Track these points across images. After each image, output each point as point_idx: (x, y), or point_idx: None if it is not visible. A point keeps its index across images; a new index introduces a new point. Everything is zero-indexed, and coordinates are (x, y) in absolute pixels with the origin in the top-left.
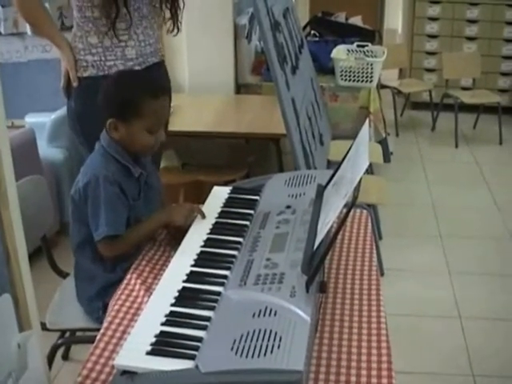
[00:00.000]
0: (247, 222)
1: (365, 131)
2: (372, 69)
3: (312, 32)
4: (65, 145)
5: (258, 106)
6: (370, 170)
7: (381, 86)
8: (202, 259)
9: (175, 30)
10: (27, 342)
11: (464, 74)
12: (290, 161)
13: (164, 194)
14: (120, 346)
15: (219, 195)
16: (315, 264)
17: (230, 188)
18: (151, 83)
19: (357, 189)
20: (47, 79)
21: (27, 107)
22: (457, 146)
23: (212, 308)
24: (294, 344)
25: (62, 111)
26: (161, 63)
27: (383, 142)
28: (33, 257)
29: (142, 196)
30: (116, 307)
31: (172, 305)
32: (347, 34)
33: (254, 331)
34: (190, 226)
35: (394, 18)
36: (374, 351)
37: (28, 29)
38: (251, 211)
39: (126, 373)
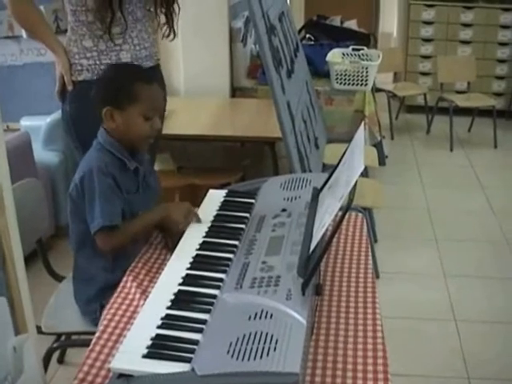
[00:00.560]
0: (243, 225)
1: (360, 134)
2: (367, 72)
3: (307, 36)
4: (60, 148)
5: (253, 110)
6: (365, 174)
7: (376, 90)
8: (198, 262)
9: (171, 35)
10: (23, 346)
11: (459, 78)
12: (285, 164)
13: (161, 197)
14: (116, 349)
15: (215, 198)
16: (311, 267)
17: (226, 191)
18: (143, 70)
19: (352, 192)
20: (42, 82)
21: (22, 110)
22: (452, 150)
23: (208, 311)
24: (290, 347)
25: (58, 114)
26: (156, 67)
27: (378, 146)
28: (28, 260)
29: (141, 192)
30: (112, 310)
31: (168, 308)
32: (342, 37)
33: (250, 334)
34: (185, 228)
35: (389, 22)
36: (370, 353)
37: (23, 32)
38: (247, 214)
39: (122, 376)
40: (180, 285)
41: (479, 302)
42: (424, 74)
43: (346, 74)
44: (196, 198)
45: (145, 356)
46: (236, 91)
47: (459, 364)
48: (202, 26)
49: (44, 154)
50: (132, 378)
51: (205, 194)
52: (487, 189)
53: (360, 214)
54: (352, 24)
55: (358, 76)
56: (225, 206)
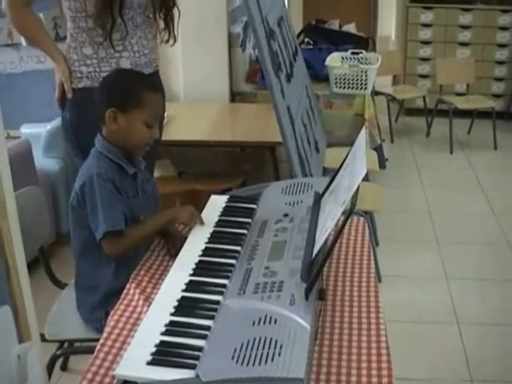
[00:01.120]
0: (245, 231)
1: (361, 139)
2: (366, 76)
3: (306, 40)
4: (60, 155)
5: (253, 115)
6: (365, 177)
7: (375, 93)
8: (201, 268)
9: (171, 40)
10: (27, 354)
11: (458, 80)
12: (285, 168)
13: (160, 204)
14: (120, 357)
15: (216, 204)
16: (314, 272)
17: (227, 197)
18: (148, 78)
19: (355, 197)
20: (42, 90)
21: (22, 118)
22: (451, 152)
23: (211, 317)
24: (294, 352)
25: (58, 122)
26: (155, 74)
27: (378, 149)
28: (30, 268)
29: (140, 197)
30: (115, 317)
31: (171, 314)
32: (341, 41)
33: (255, 339)
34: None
35: (388, 25)
36: (374, 358)
37: (23, 40)
38: (249, 220)
39: (127, 383)
40: (183, 291)
41: (481, 304)
42: (423, 76)
43: (345, 78)
44: (197, 203)
45: (149, 363)
46: (235, 96)
47: (462, 366)
48: (201, 31)
49: (44, 162)
50: None
51: (206, 200)
52: (487, 190)
53: (362, 218)
54: (351, 28)
55: (357, 80)
56: (227, 211)
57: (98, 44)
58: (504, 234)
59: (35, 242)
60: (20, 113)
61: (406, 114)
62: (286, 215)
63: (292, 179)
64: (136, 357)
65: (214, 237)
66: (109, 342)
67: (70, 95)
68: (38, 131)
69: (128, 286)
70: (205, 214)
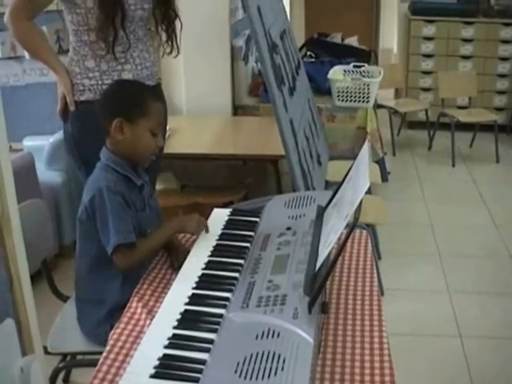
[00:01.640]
0: (248, 244)
1: (364, 152)
2: (369, 89)
3: (308, 53)
4: (63, 168)
5: (255, 128)
6: (367, 190)
7: (377, 106)
8: (204, 282)
9: (174, 52)
10: (30, 366)
11: (460, 93)
12: (288, 181)
13: (162, 217)
14: (123, 369)
15: (219, 217)
16: (317, 285)
17: (230, 210)
18: (150, 87)
19: (358, 210)
20: (45, 102)
21: (25, 131)
22: (454, 165)
23: (215, 330)
24: (297, 366)
25: (61, 134)
26: (157, 86)
27: (380, 162)
28: (33, 280)
29: (147, 210)
30: (118, 330)
31: (175, 327)
32: (343, 54)
33: (258, 353)
34: (191, 247)
35: (390, 38)
36: (377, 371)
37: (26, 53)
38: (251, 233)
39: None
40: (186, 304)
41: (483, 317)
42: (425, 89)
43: (347, 91)
44: None
45: (152, 376)
46: (238, 109)
47: (464, 379)
48: (203, 44)
49: (47, 174)
50: None
51: (208, 213)
52: (489, 204)
53: (364, 231)
54: (353, 41)
55: (359, 93)
56: (229, 224)
57: (100, 57)
58: (506, 247)
59: (38, 255)
60: (23, 125)
61: (408, 127)
62: (288, 228)
63: (294, 192)
64: (139, 370)
65: (217, 250)
66: (111, 355)
67: (72, 108)
68: (40, 144)
69: (131, 299)
70: None
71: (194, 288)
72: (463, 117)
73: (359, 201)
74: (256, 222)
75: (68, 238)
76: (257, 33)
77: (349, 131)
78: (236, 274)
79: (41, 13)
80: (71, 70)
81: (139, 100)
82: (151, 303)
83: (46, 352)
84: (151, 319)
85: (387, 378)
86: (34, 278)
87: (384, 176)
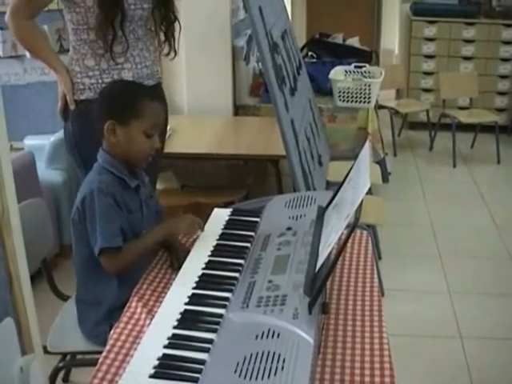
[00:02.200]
0: (248, 244)
1: (365, 153)
2: (370, 89)
3: (309, 53)
4: (64, 167)
5: (256, 128)
6: (368, 191)
7: (378, 107)
8: (204, 281)
9: (172, 54)
10: (30, 366)
11: (461, 94)
12: (288, 182)
13: (164, 215)
14: (122, 369)
15: (220, 217)
16: (317, 286)
17: (231, 210)
18: (147, 87)
19: (358, 210)
20: (46, 102)
21: (26, 130)
22: (455, 166)
23: (214, 330)
24: (297, 366)
25: (61, 133)
26: (157, 85)
27: (381, 163)
28: (33, 280)
29: (144, 211)
30: (118, 330)
31: (174, 327)
32: (345, 55)
33: (257, 353)
34: (191, 247)
35: (391, 39)
36: (377, 372)
37: (27, 52)
38: (252, 233)
39: None
40: (186, 304)
41: (484, 319)
42: (426, 90)
43: (348, 92)
44: (200, 216)
45: (152, 376)
46: (239, 109)
47: (465, 381)
48: (204, 44)
49: (48, 173)
50: None
51: (209, 213)
52: (490, 205)
53: (365, 232)
54: (354, 41)
55: (360, 93)
56: (230, 224)
57: (100, 56)
58: (507, 248)
59: (38, 254)
60: (24, 124)
61: (409, 127)
62: (289, 229)
63: (295, 193)
64: (138, 370)
65: (217, 250)
66: (111, 355)
67: (72, 107)
68: (41, 143)
69: (130, 299)
70: (208, 227)
71: (193, 288)
72: (464, 117)
73: (360, 201)
74: (256, 222)
75: (68, 238)
76: (258, 33)
77: (350, 132)
78: (236, 274)
79: (42, 12)
80: (71, 68)
81: (132, 101)
82: (151, 303)
83: (46, 351)
84: (151, 319)
85: (387, 379)
86: (34, 277)
87: (385, 176)
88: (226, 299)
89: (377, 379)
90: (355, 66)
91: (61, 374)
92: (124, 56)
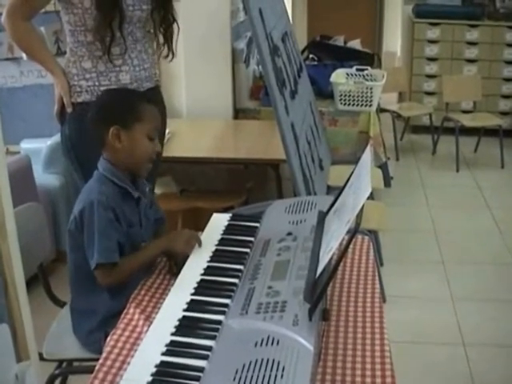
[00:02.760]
0: (247, 250)
1: (367, 157)
2: (371, 93)
3: (310, 56)
4: (61, 171)
5: (256, 131)
6: (370, 195)
7: (380, 110)
8: (203, 287)
9: (170, 56)
10: (25, 373)
11: (464, 97)
12: (289, 186)
13: (165, 223)
14: (119, 377)
15: (219, 222)
16: (318, 292)
17: (230, 215)
18: (140, 92)
19: (359, 216)
20: (43, 104)
21: (23, 133)
22: (458, 170)
23: (213, 337)
24: (297, 374)
25: (58, 137)
26: (156, 88)
27: (383, 167)
28: (29, 285)
29: (143, 224)
30: (115, 337)
31: (172, 334)
32: (346, 57)
33: (257, 361)
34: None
35: (393, 41)
36: (379, 380)
37: (23, 54)
38: (251, 238)
39: None
40: (184, 310)
41: (488, 326)
42: (429, 93)
43: (350, 95)
44: (199, 221)
45: (149, 383)
46: (239, 113)
47: None
48: (204, 47)
49: (45, 178)
50: None
51: (208, 218)
52: (494, 210)
53: (366, 237)
54: (356, 44)
55: (362, 96)
56: (229, 229)
57: (98, 58)
58: (511, 254)
59: (35, 260)
60: (20, 128)
61: (412, 131)
62: (289, 234)
63: (295, 197)
64: (136, 377)
65: (216, 255)
66: (108, 362)
67: (69, 110)
68: (38, 146)
69: (128, 305)
70: (207, 233)
71: (192, 294)
72: (468, 121)
73: (361, 206)
74: (256, 227)
75: (65, 243)
76: (258, 35)
77: (351, 135)
78: (235, 280)
79: (38, 13)
80: (68, 71)
81: (132, 105)
82: (149, 309)
83: (42, 358)
84: (149, 325)
85: None
86: (31, 282)
87: (387, 181)
88: (225, 305)
89: None
90: (357, 69)
91: (57, 382)
92: (122, 58)
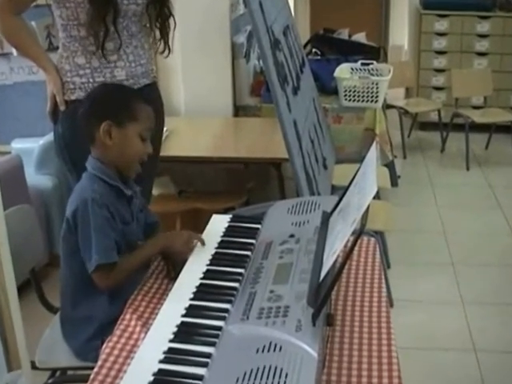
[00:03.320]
0: (249, 252)
1: (372, 155)
2: (377, 88)
3: (313, 50)
4: (54, 172)
5: (257, 129)
6: (376, 195)
7: (386, 106)
8: (202, 292)
9: (166, 51)
10: (16, 383)
11: (474, 92)
12: (291, 186)
13: (160, 227)
14: None
15: (219, 224)
16: (322, 296)
17: (230, 216)
18: (136, 90)
19: (365, 216)
20: (34, 102)
21: (13, 132)
22: (468, 168)
23: (213, 344)
24: (300, 381)
25: (51, 136)
26: (153, 84)
27: (390, 165)
28: (21, 291)
29: (136, 222)
30: (110, 344)
31: (170, 341)
32: (350, 51)
33: (258, 368)
34: (188, 255)
35: (400, 34)
36: None
37: (13, 49)
38: (252, 240)
39: None
40: (183, 316)
41: (500, 330)
42: (437, 88)
43: (355, 91)
44: (198, 222)
45: None
46: (239, 110)
47: None
48: (202, 41)
49: (37, 178)
50: None
51: (207, 219)
52: (506, 209)
53: (372, 239)
54: (361, 37)
55: (367, 92)
56: (229, 231)
57: (91, 53)
58: None
59: (27, 264)
60: (11, 127)
61: (420, 128)
62: (291, 236)
63: (298, 198)
64: None
65: (216, 258)
66: (103, 371)
67: (62, 107)
68: (30, 146)
69: (124, 311)
70: (206, 235)
71: (191, 299)
72: (478, 117)
73: (366, 206)
74: (257, 228)
75: (59, 246)
76: (258, 29)
77: (356, 133)
78: (236, 284)
79: (29, 7)
80: (61, 67)
81: (128, 103)
82: (146, 315)
83: (34, 367)
84: (146, 332)
85: None
86: (23, 288)
87: (394, 180)
88: (225, 311)
89: None
90: (362, 64)
91: None
92: (117, 54)
